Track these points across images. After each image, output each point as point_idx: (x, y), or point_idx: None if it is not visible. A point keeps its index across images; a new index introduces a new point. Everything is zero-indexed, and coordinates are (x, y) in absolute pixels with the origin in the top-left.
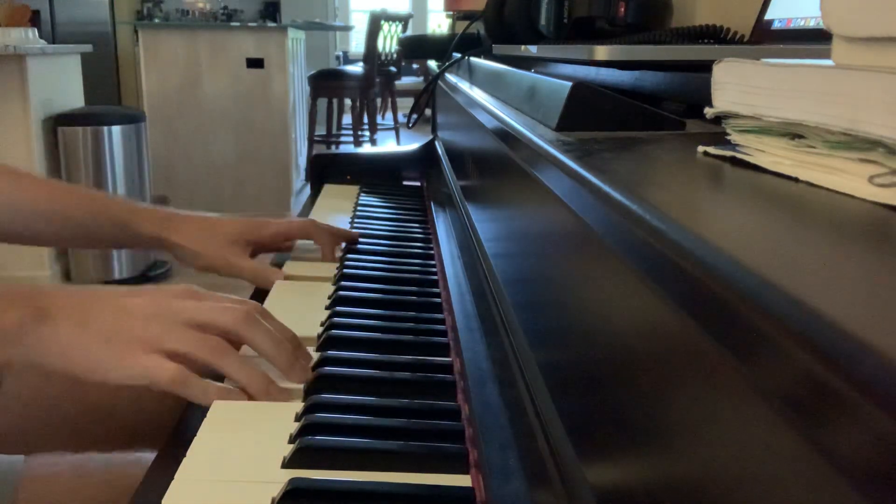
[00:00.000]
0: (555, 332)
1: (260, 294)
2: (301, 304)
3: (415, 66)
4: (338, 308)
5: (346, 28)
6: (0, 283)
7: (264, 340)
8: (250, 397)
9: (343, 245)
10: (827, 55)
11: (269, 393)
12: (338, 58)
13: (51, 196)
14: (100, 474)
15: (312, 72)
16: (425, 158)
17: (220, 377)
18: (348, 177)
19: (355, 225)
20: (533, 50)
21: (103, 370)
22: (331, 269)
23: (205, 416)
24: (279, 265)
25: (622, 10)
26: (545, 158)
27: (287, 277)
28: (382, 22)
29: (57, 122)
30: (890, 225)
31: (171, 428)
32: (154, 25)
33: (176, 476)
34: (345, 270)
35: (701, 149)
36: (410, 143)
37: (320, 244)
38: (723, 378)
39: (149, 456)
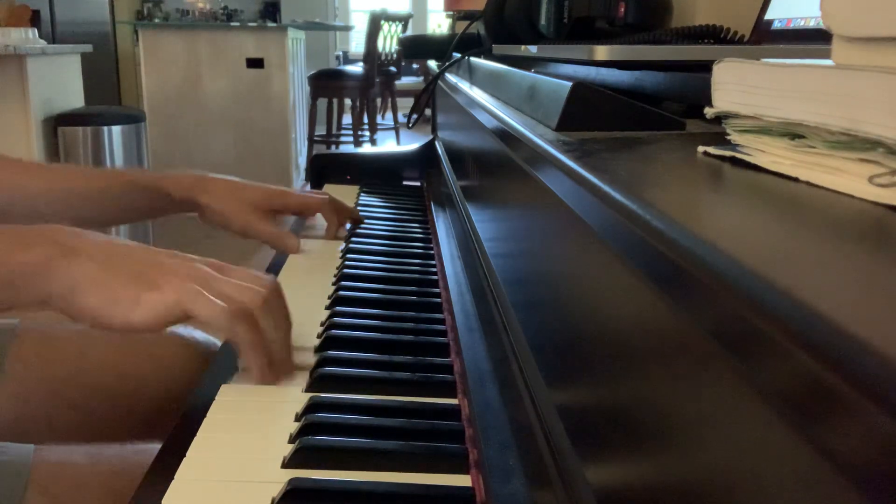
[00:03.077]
0: (555, 332)
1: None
2: (305, 294)
3: (415, 66)
4: (338, 308)
5: (346, 28)
6: (21, 225)
7: (270, 330)
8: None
9: (347, 227)
10: (827, 55)
11: (265, 372)
12: (338, 58)
13: (82, 176)
14: (113, 463)
15: (312, 72)
16: (425, 158)
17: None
18: (348, 177)
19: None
20: (533, 50)
21: (126, 309)
22: (338, 243)
23: (206, 414)
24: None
25: (622, 10)
26: (545, 158)
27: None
28: (382, 22)
29: (57, 122)
30: (890, 225)
31: (174, 424)
32: (154, 25)
33: (176, 476)
34: (345, 270)
35: (701, 149)
36: (410, 143)
37: (327, 222)
38: (722, 378)
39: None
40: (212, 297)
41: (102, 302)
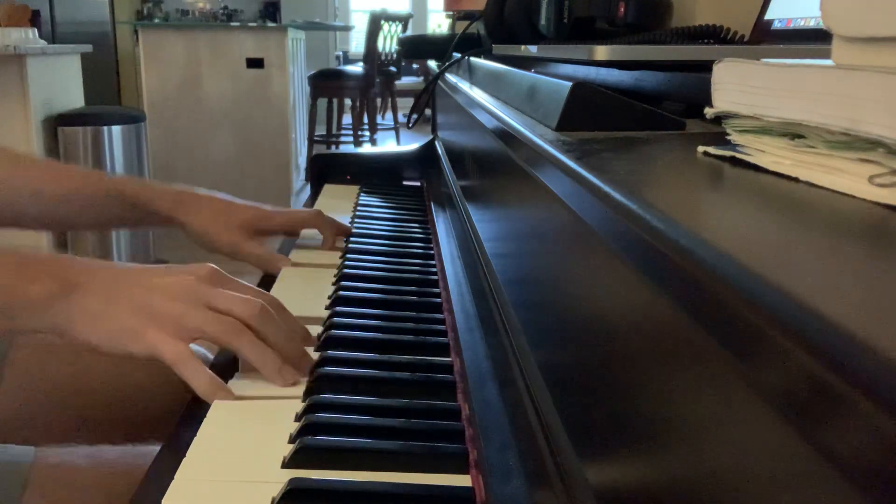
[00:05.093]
0: (555, 332)
1: (266, 282)
2: (304, 295)
3: (415, 66)
4: (338, 308)
5: (346, 28)
6: (28, 252)
7: (276, 336)
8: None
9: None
10: (827, 55)
11: (281, 374)
12: (338, 58)
13: (62, 178)
14: (114, 465)
15: (312, 72)
16: (425, 158)
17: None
18: (348, 177)
19: (355, 225)
20: (533, 50)
21: (125, 342)
22: (333, 257)
23: (206, 414)
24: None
25: (622, 10)
26: (545, 158)
27: (293, 265)
28: (382, 22)
29: (57, 122)
30: (890, 225)
31: (174, 424)
32: (154, 25)
33: (176, 476)
34: (345, 270)
35: (701, 149)
36: (410, 143)
37: (323, 234)
38: (722, 378)
39: None
40: (197, 364)
41: (102, 336)
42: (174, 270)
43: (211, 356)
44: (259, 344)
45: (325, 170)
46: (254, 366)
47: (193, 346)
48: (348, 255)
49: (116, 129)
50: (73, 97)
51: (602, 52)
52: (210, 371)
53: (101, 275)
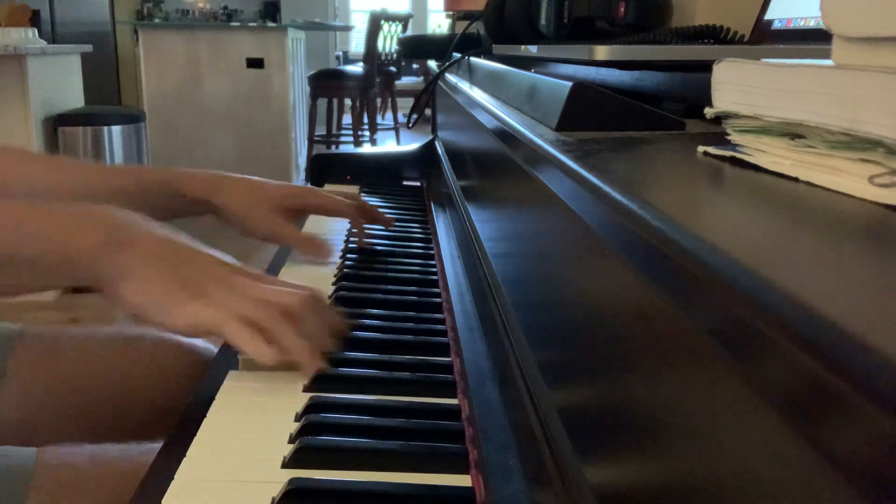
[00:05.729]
0: (555, 332)
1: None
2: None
3: (415, 66)
4: (338, 308)
5: (346, 28)
6: (77, 203)
7: (312, 328)
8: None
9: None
10: (827, 55)
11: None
12: (338, 58)
13: (95, 174)
14: (116, 464)
15: (312, 72)
16: (425, 158)
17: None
18: (348, 177)
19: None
20: (533, 50)
21: (166, 311)
22: (333, 257)
23: (206, 414)
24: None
25: (622, 10)
26: (545, 158)
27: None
28: (382, 22)
29: (57, 122)
30: (890, 225)
31: (174, 424)
32: (154, 25)
33: (176, 476)
34: (345, 271)
35: (701, 149)
36: (410, 143)
37: (357, 228)
38: (722, 378)
39: None
40: (244, 326)
41: (146, 299)
42: (222, 258)
43: (214, 349)
44: (298, 335)
45: (325, 170)
46: (290, 356)
47: (196, 340)
48: (348, 255)
49: (116, 129)
50: (73, 97)
51: (602, 52)
52: (261, 339)
53: (153, 237)
